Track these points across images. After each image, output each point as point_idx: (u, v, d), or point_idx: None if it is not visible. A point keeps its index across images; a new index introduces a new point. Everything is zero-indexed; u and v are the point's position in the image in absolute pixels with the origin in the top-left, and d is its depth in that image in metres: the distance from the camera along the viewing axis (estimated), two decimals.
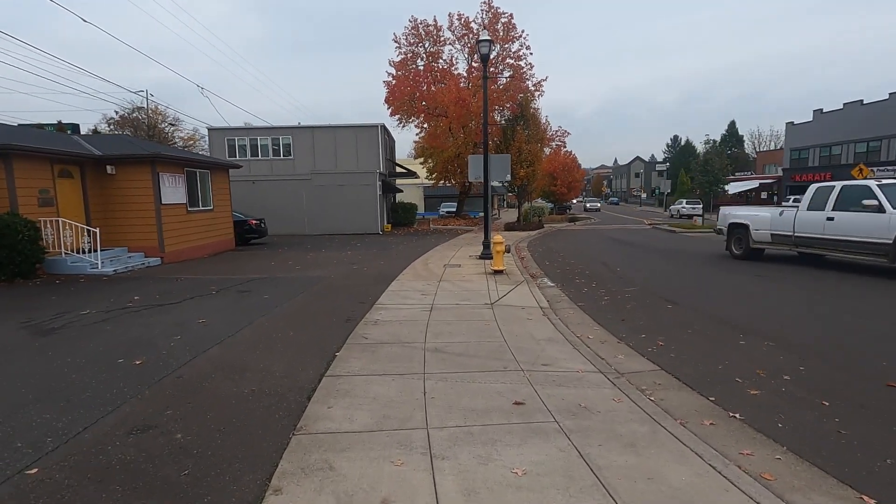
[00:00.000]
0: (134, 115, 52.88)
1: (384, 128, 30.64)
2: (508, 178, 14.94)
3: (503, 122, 29.14)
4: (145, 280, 11.17)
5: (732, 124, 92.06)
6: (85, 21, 26.81)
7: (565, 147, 33.31)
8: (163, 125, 55.13)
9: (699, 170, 28.55)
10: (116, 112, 53.12)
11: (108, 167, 13.17)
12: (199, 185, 15.73)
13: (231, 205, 18.52)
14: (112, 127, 50.12)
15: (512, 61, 29.17)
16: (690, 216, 41.48)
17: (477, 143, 31.22)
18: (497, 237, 10.84)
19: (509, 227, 28.18)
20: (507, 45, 29.17)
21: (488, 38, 13.24)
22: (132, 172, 13.42)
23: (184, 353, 5.57)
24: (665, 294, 9.03)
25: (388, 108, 30.76)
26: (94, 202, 13.11)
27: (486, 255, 13.83)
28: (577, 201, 70.25)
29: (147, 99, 50.70)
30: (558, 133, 32.58)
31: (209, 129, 29.90)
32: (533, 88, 29.60)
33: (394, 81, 30.55)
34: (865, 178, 30.21)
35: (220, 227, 17.24)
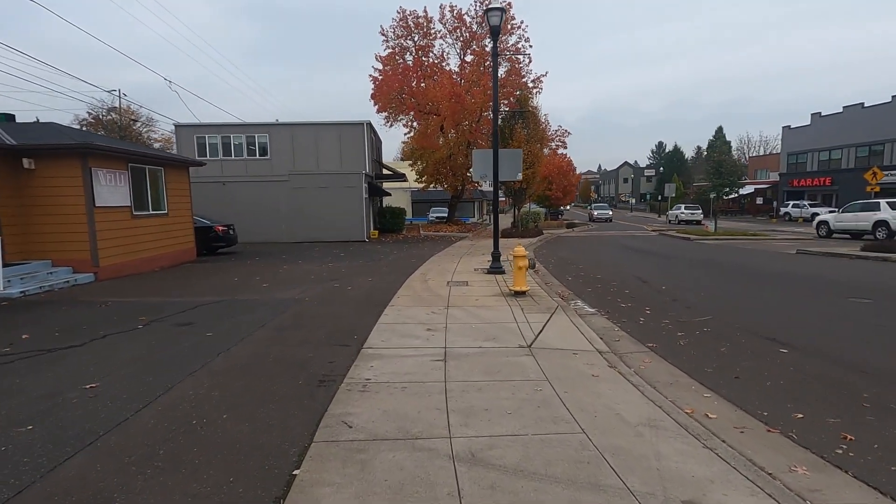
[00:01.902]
0: (109, 116, 49.53)
1: (370, 126, 28.18)
2: (520, 176, 12.63)
3: (500, 119, 26.89)
4: (58, 305, 8.53)
5: (720, 130, 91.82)
6: (62, 19, 23.88)
7: (565, 148, 31.23)
8: (137, 125, 51.94)
9: (712, 172, 26.70)
10: (89, 113, 49.79)
11: (26, 160, 10.50)
12: (148, 185, 13.09)
13: (192, 208, 15.86)
14: (87, 128, 46.72)
15: (510, 54, 26.96)
16: (689, 222, 39.82)
17: (471, 142, 28.97)
18: (519, 249, 8.47)
19: (506, 234, 25.85)
20: (504, 37, 26.97)
21: (500, 5, 10.94)
22: (57, 167, 10.76)
23: (4, 476, 3.05)
24: (755, 327, 6.74)
25: (375, 105, 28.33)
26: (4, 203, 10.40)
27: (497, 268, 11.46)
28: (571, 206, 67.96)
29: (120, 98, 47.39)
30: (558, 133, 30.48)
31: (176, 126, 27.11)
32: (532, 85, 27.44)
33: (380, 77, 28.16)
34: (879, 182, 28.73)
35: (177, 235, 14.59)
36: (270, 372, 4.89)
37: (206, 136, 26.94)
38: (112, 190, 11.58)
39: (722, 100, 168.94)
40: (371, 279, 11.06)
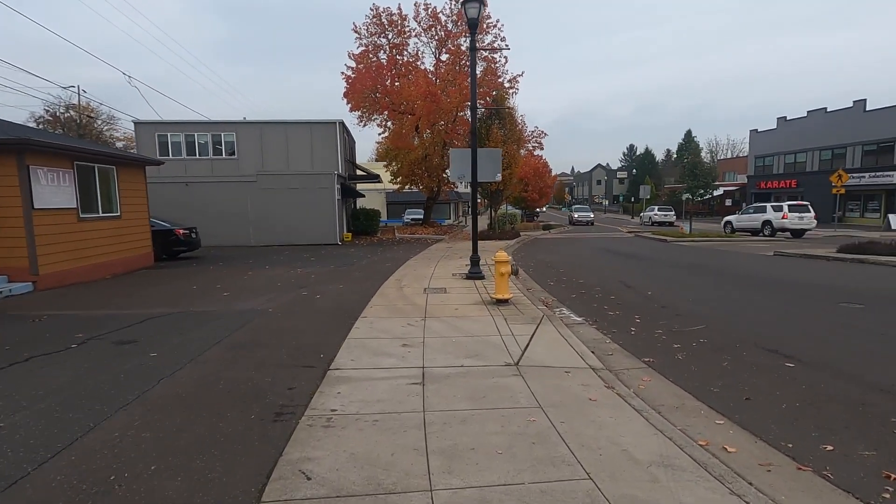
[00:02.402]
0: (67, 114, 46.95)
1: (343, 125, 27.33)
2: (499, 177, 12.12)
3: (477, 119, 26.43)
4: None
5: (689, 133, 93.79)
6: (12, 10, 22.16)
7: (542, 149, 30.98)
8: (98, 123, 49.51)
9: (686, 174, 26.80)
10: (47, 110, 47.12)
11: None
12: (97, 185, 12.04)
13: (149, 211, 14.79)
14: (44, 126, 44.15)
15: (487, 53, 26.51)
16: (663, 223, 40.19)
17: (447, 143, 28.41)
18: (501, 254, 7.92)
19: (483, 236, 25.36)
20: (480, 36, 26.51)
21: None
22: None
23: None
24: (753, 337, 6.34)
25: (348, 104, 27.46)
26: None
27: (476, 273, 10.90)
28: (546, 208, 67.64)
29: (79, 95, 45.04)
30: (535, 134, 30.18)
31: (135, 123, 25.69)
32: (508, 85, 27.07)
33: (353, 75, 27.33)
34: (844, 184, 29.39)
35: (131, 239, 13.53)
36: (218, 403, 4.17)
37: (169, 134, 25.61)
38: (55, 190, 10.53)
39: (688, 105, 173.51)
40: (342, 286, 10.34)
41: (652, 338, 6.42)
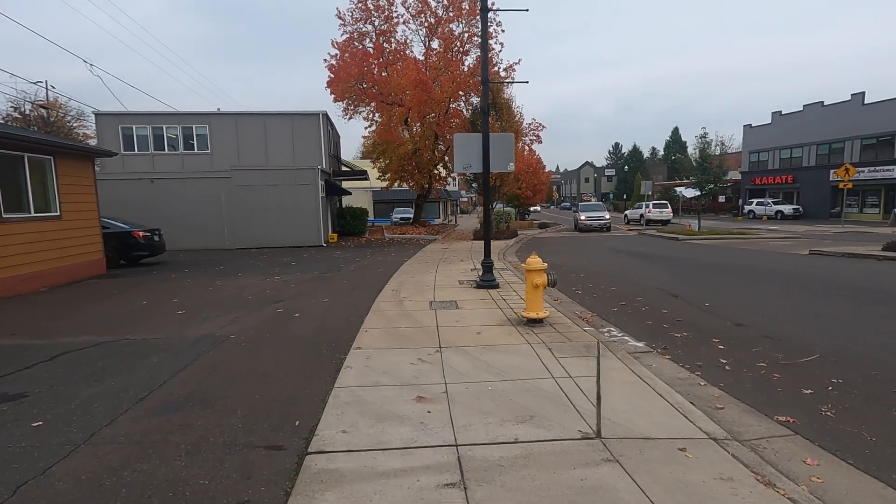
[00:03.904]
0: (36, 112, 43.85)
1: (327, 117, 25.30)
2: (512, 166, 10.31)
3: (471, 111, 24.62)
4: None
5: (676, 130, 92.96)
6: None
7: (540, 142, 29.26)
8: (67, 119, 46.55)
9: (696, 168, 25.33)
10: (14, 108, 43.93)
11: None
12: (28, 179, 9.93)
13: (99, 210, 12.67)
14: (10, 122, 41.05)
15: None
16: (658, 221, 38.66)
17: (439, 136, 26.54)
18: (535, 260, 6.08)
19: (479, 236, 23.56)
20: (473, 20, 24.70)
21: None
22: None
23: None
24: None
25: (332, 94, 25.42)
26: None
27: (489, 281, 9.08)
28: (539, 207, 65.53)
29: (47, 90, 42.05)
30: (532, 126, 28.43)
31: (96, 114, 23.36)
32: (504, 74, 25.24)
33: (337, 64, 25.27)
34: (861, 178, 28.18)
35: (75, 244, 11.42)
36: None
37: (134, 126, 23.34)
38: None
39: (669, 105, 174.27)
40: (327, 300, 8.42)
41: (759, 376, 4.65)
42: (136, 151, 23.25)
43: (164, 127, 23.46)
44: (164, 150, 23.50)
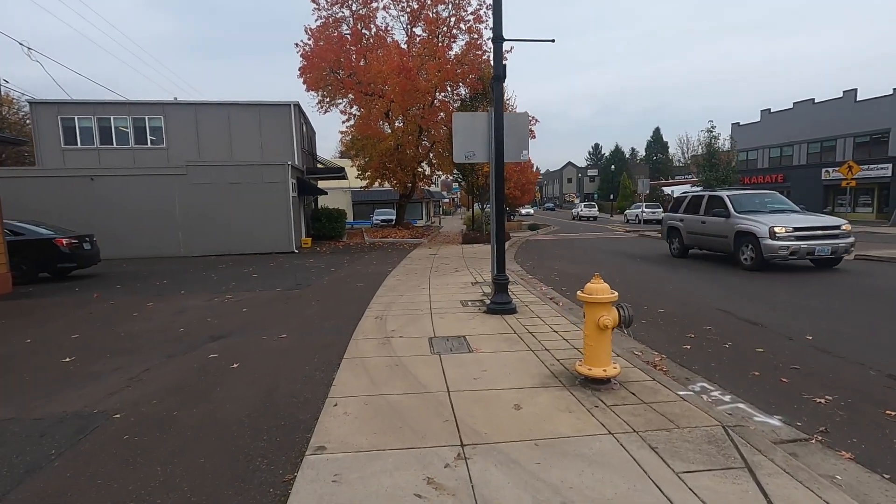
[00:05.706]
0: None
1: (300, 109, 22.85)
2: (526, 154, 8.17)
3: (460, 103, 22.43)
4: None
5: (657, 131, 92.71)
6: None
7: (534, 137, 27.28)
8: (21, 115, 42.83)
9: (705, 165, 23.64)
10: None
11: None
12: None
13: (1, 212, 10.09)
14: None
15: (470, 23, 22.54)
16: (653, 221, 37.18)
17: (423, 129, 24.29)
18: (599, 286, 3.91)
19: (468, 239, 21.39)
20: (462, 3, 22.58)
21: None
22: None
23: None
24: None
25: (304, 83, 22.91)
26: None
27: (503, 304, 6.86)
28: (531, 208, 63.15)
29: (1, 86, 38.26)
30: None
31: (31, 103, 20.46)
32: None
33: (311, 50, 22.77)
34: (855, 176, 26.88)
35: None
36: None
37: (77, 117, 20.50)
38: None
39: (646, 106, 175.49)
40: (285, 335, 6.10)
41: None
42: (79, 145, 20.43)
43: (112, 118, 20.69)
44: (112, 143, 20.73)
